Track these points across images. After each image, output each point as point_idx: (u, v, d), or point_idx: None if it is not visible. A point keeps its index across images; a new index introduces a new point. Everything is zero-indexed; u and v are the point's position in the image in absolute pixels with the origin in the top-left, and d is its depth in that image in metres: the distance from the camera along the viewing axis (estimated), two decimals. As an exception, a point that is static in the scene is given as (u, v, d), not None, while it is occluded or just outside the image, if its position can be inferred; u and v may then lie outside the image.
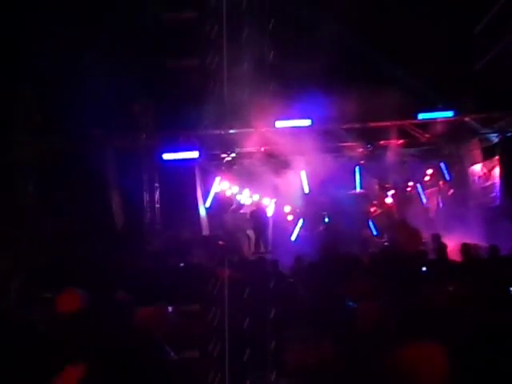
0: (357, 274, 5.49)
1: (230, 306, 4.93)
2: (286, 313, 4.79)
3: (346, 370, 3.67)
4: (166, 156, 13.25)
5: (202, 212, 14.95)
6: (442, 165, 15.35)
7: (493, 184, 14.20)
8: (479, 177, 14.88)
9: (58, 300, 4.03)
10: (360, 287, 4.49)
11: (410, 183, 15.59)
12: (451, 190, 15.25)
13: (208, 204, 14.95)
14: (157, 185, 13.55)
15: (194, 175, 14.78)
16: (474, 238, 11.15)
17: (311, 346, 3.83)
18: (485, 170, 14.53)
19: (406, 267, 5.75)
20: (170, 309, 4.86)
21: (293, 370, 3.80)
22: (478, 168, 14.82)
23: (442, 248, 9.15)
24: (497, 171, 13.93)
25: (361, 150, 14.46)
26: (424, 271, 5.61)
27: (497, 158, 13.91)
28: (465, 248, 9.07)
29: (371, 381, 3.24)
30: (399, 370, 3.19)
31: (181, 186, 13.52)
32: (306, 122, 12.77)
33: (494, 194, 14.20)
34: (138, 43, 11.22)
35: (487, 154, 14.33)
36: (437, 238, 10.56)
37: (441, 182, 15.52)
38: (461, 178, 15.35)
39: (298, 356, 3.89)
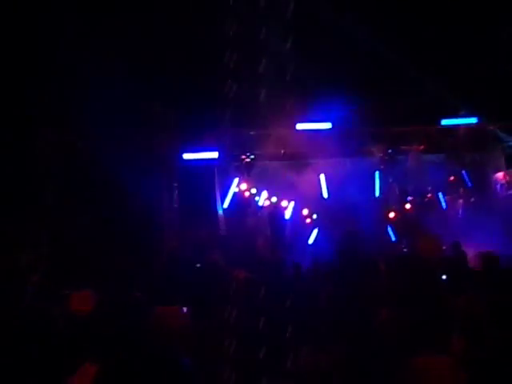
0: (379, 280, 5.43)
1: (246, 308, 4.91)
2: (302, 316, 4.75)
3: (359, 376, 3.63)
4: (186, 156, 13.27)
5: (220, 213, 14.94)
6: (464, 172, 15.16)
7: (515, 192, 14.02)
8: (502, 185, 14.69)
9: (71, 298, 4.04)
10: (382, 294, 4.43)
11: (430, 189, 15.41)
12: (472, 198, 15.06)
13: (226, 205, 14.93)
14: (176, 185, 13.57)
15: (213, 176, 14.77)
16: (495, 247, 10.99)
17: (326, 349, 3.80)
18: (507, 178, 14.34)
19: (426, 275, 5.67)
20: (184, 309, 4.86)
21: (306, 373, 3.78)
22: (500, 176, 14.62)
23: (461, 256, 9.05)
24: (520, 180, 13.76)
25: (381, 154, 14.35)
26: (444, 279, 5.53)
27: (520, 166, 13.74)
28: (485, 257, 8.95)
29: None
30: (413, 381, 3.15)
31: (199, 186, 13.52)
32: (327, 125, 12.71)
33: (516, 203, 14.01)
34: (160, 41, 11.27)
35: (510, 162, 14.15)
36: (457, 246, 10.42)
37: (462, 190, 15.32)
38: (483, 186, 15.15)
39: (312, 359, 3.86)
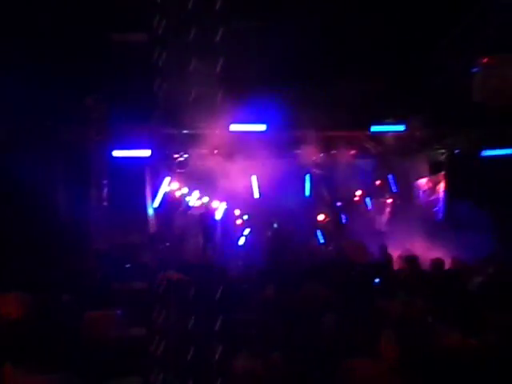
0: (311, 284, 5.48)
1: (177, 309, 4.83)
2: (234, 320, 4.72)
3: (295, 381, 3.63)
4: (116, 153, 12.92)
5: (151, 212, 14.68)
6: (390, 177, 15.69)
7: (437, 199, 14.64)
8: (424, 191, 15.31)
9: (0, 302, 3.82)
10: (316, 298, 4.47)
11: (359, 193, 15.84)
12: (397, 203, 15.61)
13: (156, 204, 14.69)
14: (105, 182, 13.18)
15: (144, 174, 14.49)
16: (418, 251, 11.43)
17: (260, 355, 3.78)
18: (430, 185, 14.97)
19: (359, 278, 5.80)
20: (119, 312, 4.71)
21: (240, 379, 3.74)
22: (423, 182, 15.25)
23: (388, 259, 9.34)
24: (441, 186, 14.37)
25: (313, 158, 14.60)
26: (376, 282, 5.67)
27: (442, 173, 14.36)
28: (409, 260, 9.29)
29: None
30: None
31: (130, 184, 13.20)
32: (261, 127, 12.75)
33: (437, 209, 14.63)
34: (87, 35, 10.92)
35: (433, 169, 14.77)
36: (384, 249, 10.77)
37: (388, 194, 15.85)
38: (407, 191, 15.75)
39: (246, 365, 3.83)
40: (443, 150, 14.25)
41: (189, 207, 15.20)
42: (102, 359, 3.63)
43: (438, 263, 8.86)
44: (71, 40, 10.68)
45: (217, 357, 4.08)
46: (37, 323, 3.23)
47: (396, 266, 9.18)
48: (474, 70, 9.34)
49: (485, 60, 9.19)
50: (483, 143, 13.68)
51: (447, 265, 8.82)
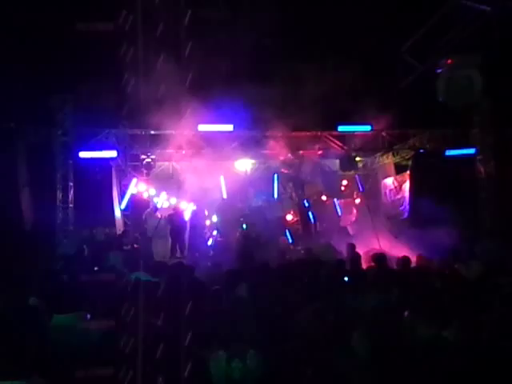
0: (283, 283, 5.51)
1: (145, 310, 4.79)
2: (206, 321, 4.70)
3: (269, 380, 3.65)
4: (83, 154, 12.74)
5: (118, 214, 14.49)
6: (357, 177, 15.86)
7: (403, 197, 14.89)
8: (390, 190, 15.55)
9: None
10: (287, 297, 4.49)
11: (326, 193, 15.95)
12: (364, 202, 15.79)
13: (124, 206, 14.52)
14: (71, 184, 12.97)
15: (111, 175, 14.30)
16: (385, 249, 11.60)
17: (236, 355, 3.77)
18: (396, 184, 15.22)
19: (328, 276, 5.86)
20: (88, 316, 4.65)
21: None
22: (389, 181, 15.49)
23: (356, 258, 9.42)
24: (407, 185, 14.63)
25: (281, 158, 14.68)
26: (346, 281, 5.74)
27: (408, 172, 14.63)
28: (377, 258, 9.41)
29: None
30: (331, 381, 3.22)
31: (96, 185, 13.04)
32: (229, 127, 12.77)
33: (403, 207, 14.89)
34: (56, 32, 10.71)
35: (399, 169, 15.04)
36: (351, 248, 10.88)
37: (355, 193, 16.02)
38: (373, 191, 15.98)
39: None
40: (408, 150, 14.51)
41: (156, 208, 15.04)
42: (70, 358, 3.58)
43: (405, 261, 9.00)
44: (36, 38, 10.48)
45: (187, 357, 4.05)
46: (5, 327, 3.16)
47: (364, 264, 9.27)
48: (439, 70, 9.52)
49: (449, 61, 9.38)
50: (447, 143, 14.02)
51: (413, 262, 8.96)
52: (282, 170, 15.16)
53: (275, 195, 15.53)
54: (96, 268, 8.95)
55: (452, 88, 9.35)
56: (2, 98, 10.07)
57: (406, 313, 3.29)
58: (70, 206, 12.90)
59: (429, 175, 13.76)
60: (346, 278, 5.87)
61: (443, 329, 3.23)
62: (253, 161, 14.87)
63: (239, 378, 3.46)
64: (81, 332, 4.43)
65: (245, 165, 14.96)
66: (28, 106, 10.67)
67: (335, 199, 15.86)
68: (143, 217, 14.55)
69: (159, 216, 14.47)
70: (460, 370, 2.83)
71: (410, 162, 14.62)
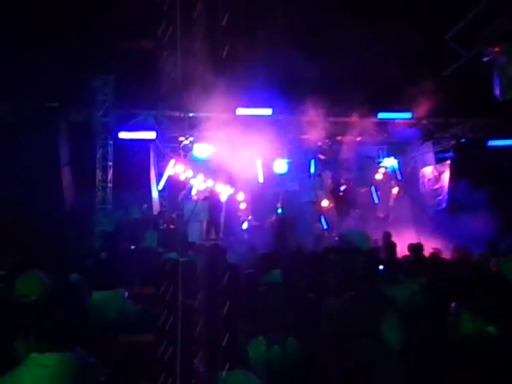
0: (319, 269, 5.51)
1: (182, 292, 4.85)
2: (245, 303, 4.73)
3: (307, 367, 3.65)
4: (122, 135, 12.92)
5: (155, 194, 14.70)
6: (396, 165, 15.66)
7: (441, 187, 14.62)
8: (429, 179, 15.28)
9: (19, 283, 3.83)
10: (325, 282, 4.48)
11: (363, 180, 15.80)
12: (402, 191, 15.60)
13: (161, 187, 14.72)
14: (110, 164, 13.19)
15: (149, 156, 14.49)
16: (421, 239, 11.45)
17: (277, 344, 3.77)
18: (435, 173, 14.94)
19: (363, 265, 5.83)
20: (126, 294, 4.75)
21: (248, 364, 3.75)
22: (429, 171, 15.22)
23: (391, 246, 9.32)
24: (447, 175, 14.35)
25: (319, 143, 14.59)
26: (381, 270, 5.70)
27: (448, 162, 14.34)
28: (414, 248, 9.32)
29: (333, 379, 3.25)
30: (361, 370, 3.22)
31: (135, 166, 13.22)
32: (267, 112, 12.73)
33: (441, 197, 14.62)
34: (100, 17, 10.83)
35: (439, 158, 14.75)
36: (387, 237, 10.79)
37: (393, 182, 15.83)
38: (412, 179, 15.74)
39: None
40: (449, 139, 14.22)
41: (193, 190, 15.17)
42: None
43: (439, 251, 8.91)
44: (79, 20, 10.63)
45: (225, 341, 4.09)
46: (51, 302, 3.25)
47: (401, 253, 9.19)
48: (485, 58, 9.25)
49: (496, 49, 9.10)
50: (489, 133, 13.66)
51: (450, 253, 8.84)
52: (320, 155, 15.07)
53: (312, 181, 15.49)
54: (133, 247, 9.15)
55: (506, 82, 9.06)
56: (46, 78, 10.27)
57: (452, 304, 3.23)
58: (109, 185, 13.13)
59: (470, 165, 13.45)
60: (380, 267, 5.82)
61: (487, 324, 3.17)
62: (291, 146, 14.78)
63: (278, 364, 3.48)
64: (119, 309, 4.54)
65: (283, 149, 14.89)
66: (71, 87, 10.85)
67: (373, 187, 15.71)
68: (179, 198, 14.73)
69: (196, 198, 14.62)
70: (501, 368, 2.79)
71: (450, 152, 14.32)
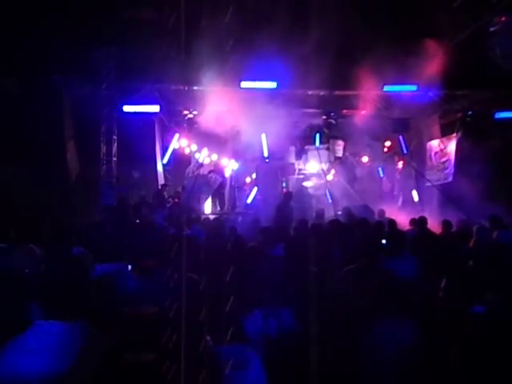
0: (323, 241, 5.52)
1: (187, 265, 4.87)
2: (246, 277, 4.75)
3: (309, 341, 3.67)
4: (126, 108, 12.86)
5: (160, 168, 14.72)
6: (401, 138, 15.55)
7: (448, 160, 14.50)
8: (435, 152, 15.16)
9: (14, 255, 3.88)
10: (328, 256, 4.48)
11: (368, 154, 15.73)
12: (407, 164, 15.52)
13: (166, 160, 14.73)
14: (115, 137, 13.16)
15: (154, 130, 14.47)
16: (427, 212, 11.44)
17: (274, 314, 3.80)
18: (442, 147, 14.82)
19: (365, 238, 5.83)
20: (129, 267, 4.78)
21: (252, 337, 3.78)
22: (435, 144, 15.09)
23: (392, 222, 9.25)
24: (453, 148, 14.23)
25: (324, 117, 14.49)
26: (384, 243, 5.70)
27: (454, 135, 14.21)
28: (417, 221, 9.29)
29: (338, 356, 3.25)
30: (372, 345, 3.22)
31: (139, 139, 13.17)
32: (272, 85, 12.59)
33: (448, 171, 14.52)
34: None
35: (446, 131, 14.61)
36: (381, 214, 10.85)
37: (397, 157, 15.76)
38: (418, 153, 15.64)
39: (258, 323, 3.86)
40: (455, 111, 14.07)
41: (200, 164, 15.15)
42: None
43: (446, 224, 8.86)
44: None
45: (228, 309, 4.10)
46: (50, 273, 3.29)
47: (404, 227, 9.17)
48: (492, 28, 9.06)
49: (502, 18, 8.91)
50: (496, 105, 13.46)
51: (455, 226, 8.81)
52: (325, 129, 14.98)
53: (317, 154, 15.40)
54: (138, 220, 9.17)
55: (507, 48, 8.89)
56: (51, 50, 10.20)
57: (443, 281, 3.23)
58: (114, 159, 13.12)
59: (476, 138, 13.31)
60: (383, 241, 5.81)
61: (476, 302, 3.17)
62: (296, 119, 14.64)
63: (275, 336, 3.50)
64: (122, 282, 4.58)
65: (287, 123, 14.76)
66: (74, 59, 10.75)
67: (380, 169, 15.64)
68: (186, 172, 14.76)
69: (200, 172, 14.62)
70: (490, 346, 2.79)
71: (457, 124, 14.17)
